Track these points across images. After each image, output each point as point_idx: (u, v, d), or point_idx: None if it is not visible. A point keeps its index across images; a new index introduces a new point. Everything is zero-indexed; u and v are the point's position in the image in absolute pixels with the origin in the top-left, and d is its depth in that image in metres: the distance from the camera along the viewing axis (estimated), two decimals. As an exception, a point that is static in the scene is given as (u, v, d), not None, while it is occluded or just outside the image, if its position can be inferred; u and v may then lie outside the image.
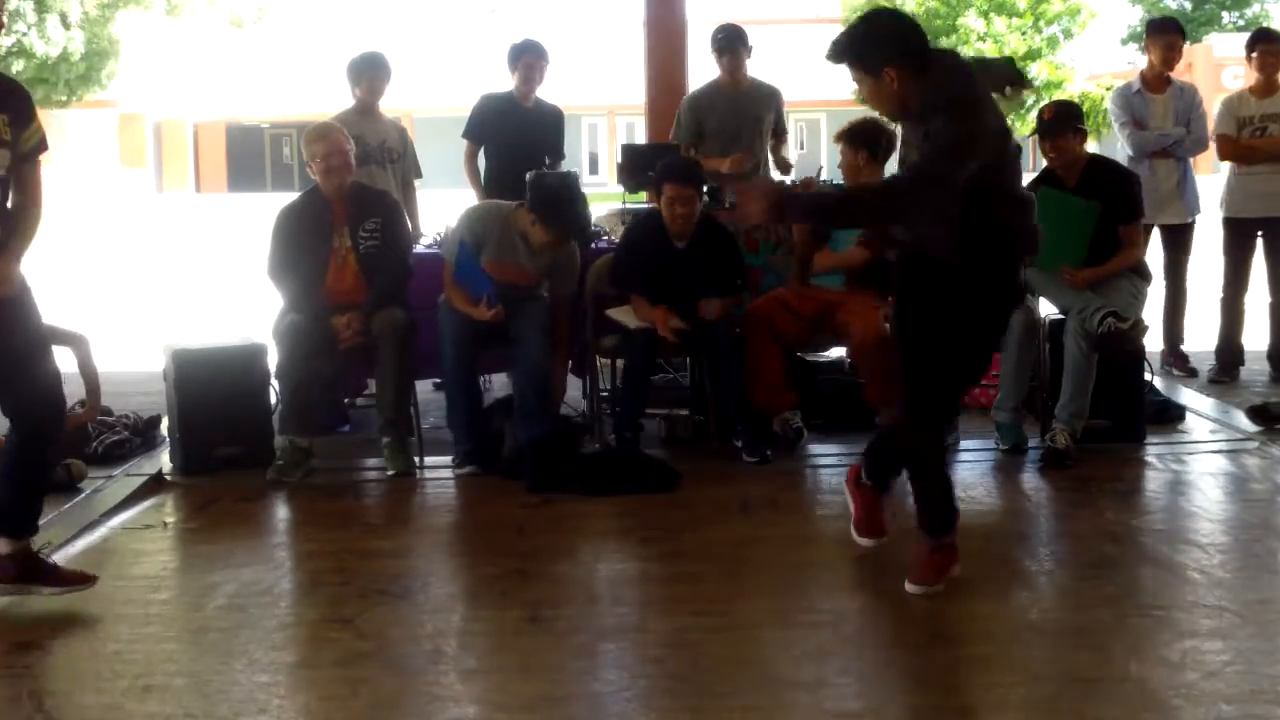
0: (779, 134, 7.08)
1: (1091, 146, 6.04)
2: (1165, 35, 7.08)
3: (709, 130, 6.83)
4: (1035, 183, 5.40)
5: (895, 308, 4.00)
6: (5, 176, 3.70)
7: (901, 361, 3.88)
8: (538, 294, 5.54)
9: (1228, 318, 7.03)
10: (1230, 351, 7.03)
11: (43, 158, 3.80)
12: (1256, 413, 5.81)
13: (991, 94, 3.78)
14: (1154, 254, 6.94)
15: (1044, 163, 5.60)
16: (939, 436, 4.08)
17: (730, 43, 6.79)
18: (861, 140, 5.54)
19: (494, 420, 5.45)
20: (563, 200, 5.36)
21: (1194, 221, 7.08)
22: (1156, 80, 7.04)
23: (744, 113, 6.87)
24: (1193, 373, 7.06)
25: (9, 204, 3.74)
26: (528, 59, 6.76)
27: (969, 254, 3.73)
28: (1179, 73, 7.20)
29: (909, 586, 3.84)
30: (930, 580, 3.85)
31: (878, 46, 3.70)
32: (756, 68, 7.00)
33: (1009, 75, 4.61)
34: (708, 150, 6.72)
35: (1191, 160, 7.09)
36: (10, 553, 3.79)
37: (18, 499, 3.83)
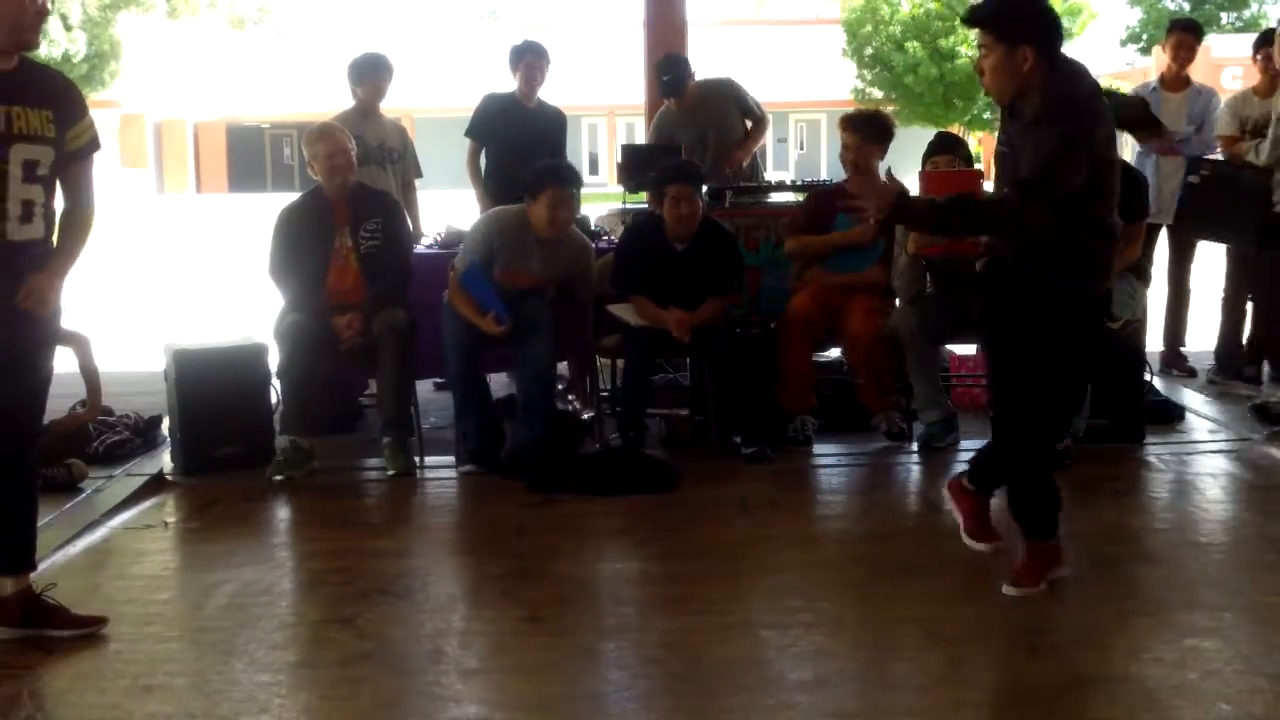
0: (754, 118, 7.09)
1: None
2: (1173, 33, 7.11)
3: (681, 147, 6.85)
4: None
5: (993, 323, 3.90)
6: (49, 176, 3.45)
7: (1007, 379, 3.83)
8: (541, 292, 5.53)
9: (1228, 318, 7.02)
10: (1230, 352, 7.03)
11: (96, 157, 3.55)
12: (1259, 412, 5.81)
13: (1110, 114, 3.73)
14: (1162, 255, 6.94)
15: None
16: (1052, 452, 4.00)
17: (673, 87, 6.84)
18: (869, 135, 5.55)
19: (495, 420, 5.45)
20: (535, 167, 5.44)
21: None
22: (1174, 80, 7.05)
23: (704, 121, 6.94)
24: (1192, 373, 7.05)
25: (59, 209, 3.50)
26: (529, 60, 6.77)
27: (1063, 268, 3.68)
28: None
29: (1006, 589, 3.80)
30: (1028, 583, 3.80)
31: (1030, 21, 3.64)
32: (755, 67, 6.98)
33: (1143, 117, 4.53)
34: None
35: None
36: (10, 594, 3.54)
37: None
